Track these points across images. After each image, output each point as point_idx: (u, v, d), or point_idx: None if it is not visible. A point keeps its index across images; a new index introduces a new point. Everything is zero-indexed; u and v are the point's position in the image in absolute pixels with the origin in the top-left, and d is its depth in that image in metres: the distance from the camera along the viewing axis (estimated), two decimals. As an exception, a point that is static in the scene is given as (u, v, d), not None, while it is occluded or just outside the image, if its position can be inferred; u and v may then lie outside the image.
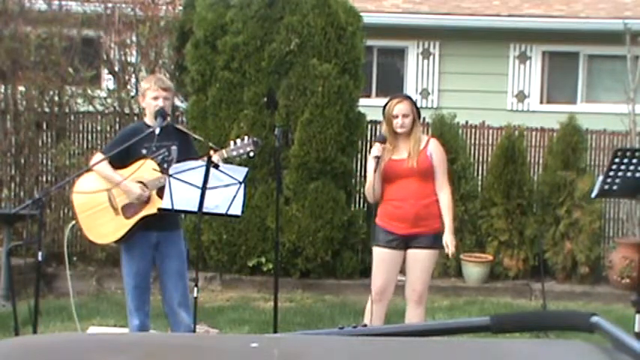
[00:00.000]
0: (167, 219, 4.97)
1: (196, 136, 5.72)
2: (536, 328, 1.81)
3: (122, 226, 5.02)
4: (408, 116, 5.40)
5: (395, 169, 5.37)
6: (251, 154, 5.06)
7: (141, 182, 5.00)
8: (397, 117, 5.38)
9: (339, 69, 8.28)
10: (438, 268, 8.57)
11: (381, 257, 5.38)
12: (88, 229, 5.10)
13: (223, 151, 5.02)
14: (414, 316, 5.48)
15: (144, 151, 5.01)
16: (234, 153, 5.04)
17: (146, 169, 4.96)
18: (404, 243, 5.39)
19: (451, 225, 5.45)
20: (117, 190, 5.02)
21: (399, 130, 5.39)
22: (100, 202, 5.05)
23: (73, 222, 5.31)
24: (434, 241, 5.40)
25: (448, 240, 5.40)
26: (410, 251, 5.41)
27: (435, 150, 5.50)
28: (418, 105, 5.66)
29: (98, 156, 5.13)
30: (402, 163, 5.38)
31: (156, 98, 5.07)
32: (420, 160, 5.39)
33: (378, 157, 5.29)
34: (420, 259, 5.40)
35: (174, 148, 5.10)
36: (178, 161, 4.97)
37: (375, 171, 5.30)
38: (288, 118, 8.28)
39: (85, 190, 5.07)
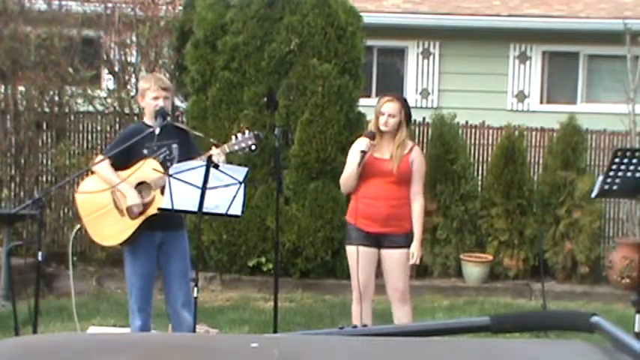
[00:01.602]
0: (171, 219, 4.94)
1: (196, 133, 5.70)
2: (536, 328, 1.82)
3: (128, 227, 4.99)
4: (394, 117, 5.39)
5: (374, 167, 5.37)
6: (252, 147, 5.02)
7: (144, 182, 5.00)
8: (383, 115, 5.39)
9: (339, 69, 8.27)
10: (437, 268, 8.59)
11: (358, 255, 5.35)
12: (94, 231, 5.07)
13: (225, 145, 4.99)
14: (402, 315, 5.48)
15: (145, 152, 4.99)
16: (236, 147, 5.01)
17: (147, 169, 4.94)
18: (377, 241, 5.41)
19: (420, 236, 5.49)
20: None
21: (382, 128, 5.39)
22: (105, 204, 5.03)
23: (79, 226, 5.26)
24: (406, 240, 5.43)
25: (416, 251, 5.42)
26: (384, 252, 5.43)
27: (417, 158, 5.51)
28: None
29: (100, 158, 5.12)
30: (383, 164, 5.39)
31: (156, 98, 5.06)
32: (401, 166, 5.39)
33: (364, 152, 5.30)
34: (396, 258, 5.43)
35: (175, 146, 5.08)
36: (180, 159, 4.96)
37: (359, 165, 5.30)
38: (288, 118, 8.28)
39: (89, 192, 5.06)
